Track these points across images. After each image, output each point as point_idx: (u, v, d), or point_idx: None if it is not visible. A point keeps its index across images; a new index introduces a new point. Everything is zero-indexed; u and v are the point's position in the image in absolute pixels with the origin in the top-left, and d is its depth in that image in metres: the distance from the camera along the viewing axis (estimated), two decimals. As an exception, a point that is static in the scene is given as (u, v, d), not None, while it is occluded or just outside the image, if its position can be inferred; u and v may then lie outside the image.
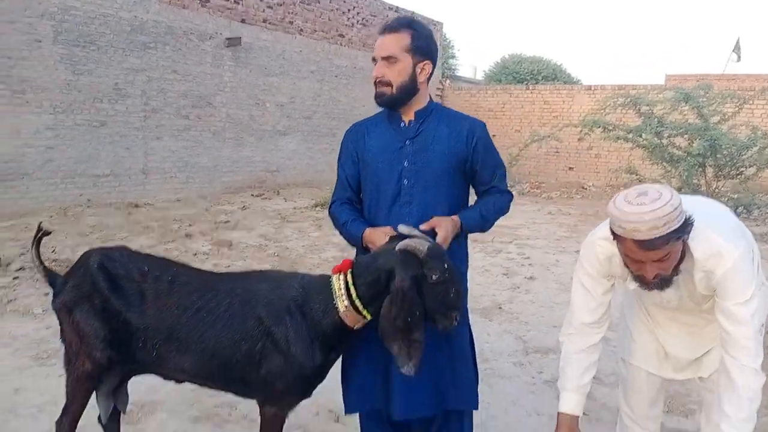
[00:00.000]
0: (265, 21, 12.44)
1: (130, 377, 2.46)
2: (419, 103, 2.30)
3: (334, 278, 2.13)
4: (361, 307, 2.08)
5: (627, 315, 2.46)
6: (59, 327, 2.36)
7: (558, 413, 2.16)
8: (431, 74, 2.29)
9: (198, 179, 11.35)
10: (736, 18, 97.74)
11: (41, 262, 2.39)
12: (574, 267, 2.24)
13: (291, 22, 13.04)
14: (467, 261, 2.50)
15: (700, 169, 8.41)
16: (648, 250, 1.81)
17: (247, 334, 2.13)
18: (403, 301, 1.97)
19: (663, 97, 8.95)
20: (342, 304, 2.09)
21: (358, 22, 14.88)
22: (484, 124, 2.39)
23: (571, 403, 2.13)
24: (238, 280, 2.31)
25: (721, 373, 2.02)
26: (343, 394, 2.41)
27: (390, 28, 2.22)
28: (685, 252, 1.92)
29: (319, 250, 7.49)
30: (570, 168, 16.16)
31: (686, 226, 1.83)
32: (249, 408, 3.42)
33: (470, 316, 3.89)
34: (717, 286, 1.95)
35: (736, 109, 8.89)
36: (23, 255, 6.22)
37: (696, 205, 1.94)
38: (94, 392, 2.37)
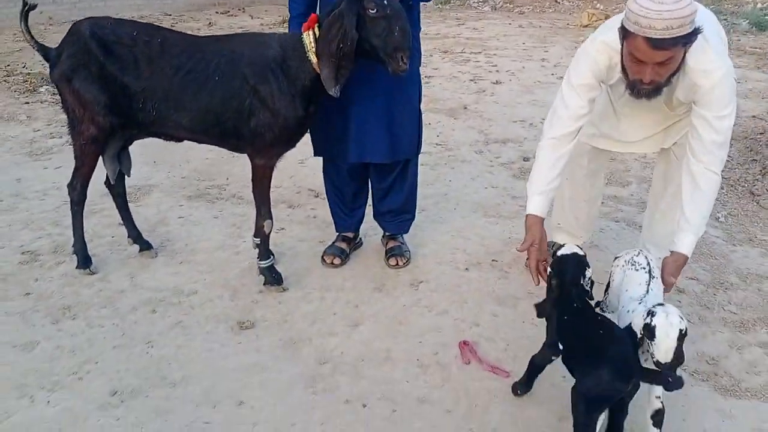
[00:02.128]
0: None
1: (133, 141, 2.72)
2: None
3: (305, 35, 2.34)
4: None
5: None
6: (60, 97, 2.56)
7: (526, 215, 2.31)
8: None
9: (160, -5, 10.88)
10: None
11: (31, 36, 2.51)
12: (565, 75, 2.32)
13: None
14: (418, 53, 2.68)
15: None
16: (656, 50, 1.90)
17: (236, 92, 2.36)
18: (337, 25, 2.20)
19: None
20: (314, 56, 2.32)
21: None
22: None
23: (539, 205, 2.28)
24: (223, 42, 2.49)
25: (685, 177, 2.20)
26: (312, 141, 2.79)
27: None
28: (680, 64, 2.04)
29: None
30: (544, -19, 15.66)
31: (694, 34, 1.91)
32: (237, 188, 3.81)
33: (437, 116, 4.17)
34: (701, 98, 2.09)
35: None
36: (-5, 69, 6.22)
37: (698, 15, 1.95)
38: (101, 157, 2.64)
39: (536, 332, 2.33)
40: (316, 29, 2.32)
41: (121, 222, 3.00)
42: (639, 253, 2.09)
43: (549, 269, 2.06)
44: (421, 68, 2.81)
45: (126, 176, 2.83)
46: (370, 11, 2.21)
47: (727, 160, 4.23)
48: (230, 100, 2.38)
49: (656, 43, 1.89)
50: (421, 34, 2.71)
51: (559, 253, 2.05)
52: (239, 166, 4.13)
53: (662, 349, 1.71)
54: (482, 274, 2.94)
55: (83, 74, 2.40)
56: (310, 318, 2.58)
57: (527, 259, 2.42)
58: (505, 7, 14.42)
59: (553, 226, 3.01)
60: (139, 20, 2.64)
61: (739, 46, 8.69)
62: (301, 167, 4.11)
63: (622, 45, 2.05)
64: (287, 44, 2.39)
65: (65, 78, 2.43)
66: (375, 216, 3.05)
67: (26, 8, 2.51)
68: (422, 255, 3.05)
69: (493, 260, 3.07)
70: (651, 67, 1.98)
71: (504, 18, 11.98)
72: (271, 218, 2.67)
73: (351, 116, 2.62)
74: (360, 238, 3.16)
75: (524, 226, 2.33)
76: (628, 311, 1.93)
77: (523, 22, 11.35)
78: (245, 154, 2.61)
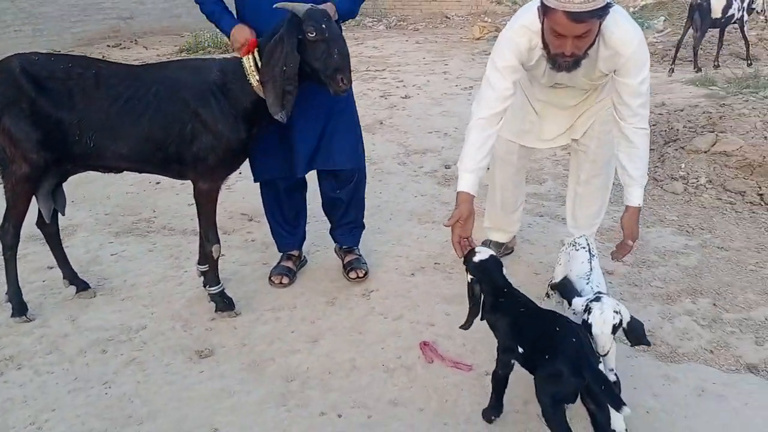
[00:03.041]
0: None
1: (67, 177, 2.62)
2: None
3: (245, 59, 2.38)
4: None
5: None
6: None
7: (457, 192, 2.35)
8: None
9: (46, 31, 10.40)
10: None
11: None
12: (489, 61, 2.40)
13: None
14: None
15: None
16: (576, 23, 2.02)
17: (177, 116, 2.36)
18: (279, 50, 2.25)
19: None
20: (254, 79, 2.35)
21: None
22: None
23: (469, 183, 2.34)
24: (160, 69, 2.49)
25: (620, 140, 2.39)
26: (251, 165, 2.79)
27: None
28: (596, 37, 2.20)
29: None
30: (433, -1, 16.29)
31: (608, 7, 2.06)
32: (166, 219, 3.72)
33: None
34: (622, 66, 2.24)
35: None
36: None
37: None
38: (34, 197, 2.53)
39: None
40: (256, 54, 2.36)
41: (51, 266, 2.89)
42: (581, 236, 2.26)
43: (470, 277, 2.09)
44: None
45: (60, 214, 2.71)
46: (310, 35, 2.25)
47: (628, 152, 4.65)
48: (171, 125, 2.37)
49: (575, 17, 2.02)
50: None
51: (476, 259, 2.08)
52: (164, 198, 4.05)
53: (599, 343, 1.88)
54: (428, 278, 3.04)
55: (14, 112, 2.32)
56: (269, 338, 2.57)
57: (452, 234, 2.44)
58: (399, 25, 14.87)
59: (486, 227, 3.17)
60: (69, 54, 2.57)
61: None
62: (229, 192, 4.07)
63: (543, 22, 2.18)
64: (227, 68, 2.42)
65: None
66: (331, 231, 3.09)
67: None
68: (368, 265, 3.11)
69: (435, 263, 3.18)
70: (571, 40, 2.11)
71: (400, 36, 12.35)
72: (218, 242, 2.65)
73: (293, 133, 2.65)
74: (304, 256, 3.18)
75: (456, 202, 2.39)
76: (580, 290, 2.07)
77: (419, 38, 11.76)
78: (186, 181, 2.58)
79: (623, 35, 2.23)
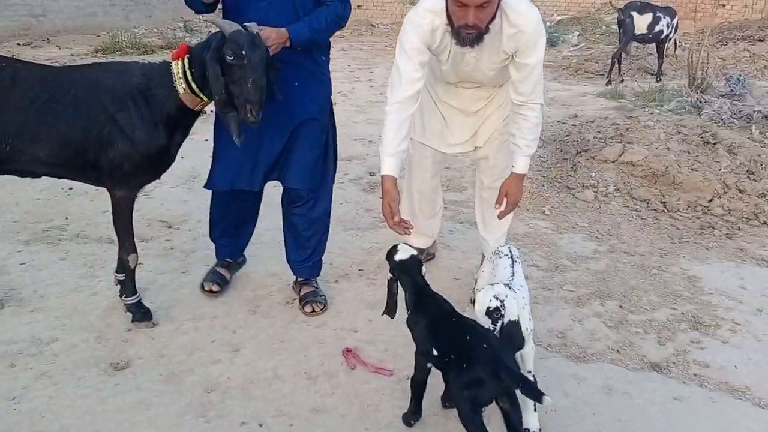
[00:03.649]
0: None
1: None
2: None
3: (174, 64, 2.32)
4: (197, 90, 2.32)
5: (419, 101, 2.77)
6: None
7: (382, 176, 2.46)
8: None
9: (-53, 26, 9.76)
10: None
11: None
12: (397, 47, 2.50)
13: None
14: (328, 82, 2.71)
15: None
16: None
17: (94, 120, 2.28)
18: (206, 68, 2.22)
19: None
20: (181, 86, 2.31)
21: None
22: None
23: (391, 166, 2.45)
24: (81, 71, 2.41)
25: (515, 115, 2.56)
26: (210, 172, 2.72)
27: None
28: (496, 14, 2.34)
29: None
30: (358, 6, 16.40)
31: None
32: (80, 227, 3.58)
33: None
34: (524, 44, 2.39)
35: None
36: None
37: None
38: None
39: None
40: (186, 61, 2.31)
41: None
42: (504, 245, 2.35)
43: (390, 274, 2.14)
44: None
45: None
46: (228, 57, 2.19)
47: (543, 161, 4.88)
48: (89, 129, 2.29)
49: None
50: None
51: (397, 258, 2.11)
52: (77, 204, 3.90)
53: (480, 321, 1.98)
54: (352, 284, 3.07)
55: None
56: (188, 349, 2.52)
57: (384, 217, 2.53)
58: (325, 31, 14.80)
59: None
60: None
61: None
62: (147, 200, 3.97)
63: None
64: (153, 72, 2.36)
65: None
66: (288, 260, 2.92)
67: None
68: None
69: (359, 270, 3.21)
70: (473, 11, 2.23)
71: (326, 42, 12.35)
72: (135, 252, 2.58)
73: (258, 143, 2.58)
74: (243, 257, 3.11)
75: (381, 187, 2.47)
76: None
77: (344, 45, 11.82)
78: (102, 188, 2.50)
79: (525, 13, 2.40)
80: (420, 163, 3.01)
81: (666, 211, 4.09)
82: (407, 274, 2.09)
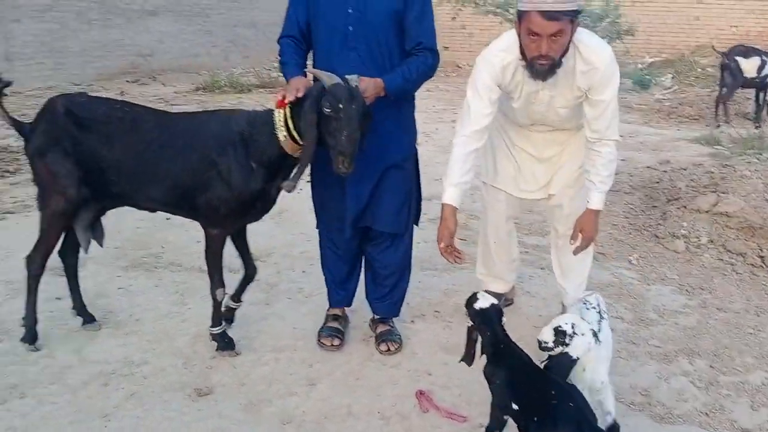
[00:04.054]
0: None
1: (106, 212, 2.73)
2: None
3: (276, 112, 2.40)
4: (297, 137, 2.37)
5: (492, 145, 2.89)
6: (32, 171, 2.56)
7: (442, 204, 2.56)
8: None
9: (67, 65, 10.68)
10: None
11: (6, 112, 2.54)
12: (468, 84, 2.58)
13: None
14: (413, 130, 2.79)
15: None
16: (549, 20, 2.22)
17: (199, 165, 2.44)
18: (305, 120, 2.29)
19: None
20: (281, 133, 2.37)
21: None
22: None
23: (452, 195, 2.56)
24: (193, 118, 2.60)
25: (588, 151, 2.58)
26: (315, 213, 2.86)
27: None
28: (569, 47, 2.37)
29: (210, 128, 7.59)
30: (445, 47, 16.64)
31: (578, 11, 2.30)
32: (174, 256, 3.79)
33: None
34: (598, 80, 2.42)
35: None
36: None
37: None
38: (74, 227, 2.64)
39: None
40: (287, 111, 2.37)
41: (59, 297, 2.98)
42: (592, 294, 2.30)
43: (469, 322, 2.10)
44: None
45: (99, 246, 2.84)
46: (325, 109, 2.27)
47: (631, 207, 4.74)
48: (194, 173, 2.45)
49: (549, 15, 2.23)
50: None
51: (477, 307, 2.08)
52: (173, 234, 4.12)
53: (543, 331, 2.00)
54: (427, 325, 3.08)
55: (57, 149, 2.45)
56: (267, 379, 2.60)
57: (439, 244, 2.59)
58: (412, 72, 15.09)
59: (481, 276, 3.22)
60: (111, 98, 2.71)
61: (625, 103, 9.57)
62: (237, 232, 4.14)
63: (519, 30, 2.37)
64: (256, 119, 2.47)
65: (39, 153, 2.49)
66: (367, 296, 2.96)
67: (1, 86, 2.53)
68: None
69: (435, 311, 3.22)
70: (546, 41, 2.28)
71: (412, 82, 12.59)
72: (223, 286, 2.70)
73: (346, 189, 2.64)
74: (346, 314, 3.06)
75: (441, 215, 2.56)
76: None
77: (430, 86, 11.93)
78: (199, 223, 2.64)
79: (597, 49, 2.44)
80: (494, 207, 3.02)
81: (764, 266, 3.86)
82: (487, 323, 2.07)
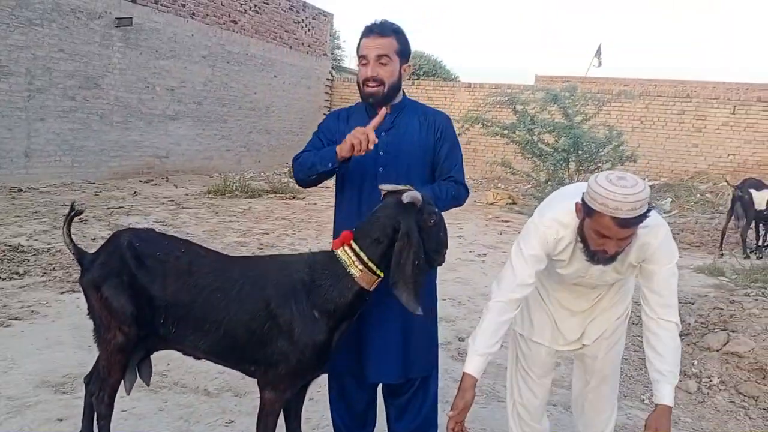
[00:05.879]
0: (156, 2, 12.22)
1: (153, 351, 2.59)
2: (396, 98, 2.52)
3: (340, 251, 2.28)
4: (375, 267, 2.25)
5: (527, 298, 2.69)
6: (87, 303, 2.47)
7: (464, 373, 2.32)
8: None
9: (84, 163, 11.02)
10: (598, 25, 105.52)
11: (72, 241, 2.49)
12: (515, 245, 2.42)
13: (183, 5, 12.88)
14: (433, 273, 2.65)
15: (565, 163, 9.41)
16: (623, 228, 2.08)
17: (255, 315, 2.26)
18: (411, 244, 2.19)
19: (535, 97, 9.91)
20: (357, 269, 2.24)
21: (251, 8, 14.92)
22: (450, 118, 2.64)
23: (477, 367, 2.32)
24: (251, 263, 2.48)
25: (647, 334, 2.36)
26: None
27: (379, 32, 2.43)
28: None
29: (220, 235, 7.69)
30: (451, 160, 17.14)
31: (650, 209, 2.14)
32: (179, 375, 3.73)
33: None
34: (652, 255, 2.29)
35: (596, 110, 10.07)
36: None
37: None
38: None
39: None
40: (353, 243, 2.28)
41: (60, 418, 2.92)
42: None
43: None
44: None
45: (145, 384, 2.70)
46: (430, 222, 2.24)
47: (640, 341, 4.67)
48: (248, 324, 2.29)
49: (624, 223, 2.08)
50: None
51: None
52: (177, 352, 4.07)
53: None
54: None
55: (114, 282, 2.35)
56: None
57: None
58: (418, 182, 15.47)
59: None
60: (175, 235, 2.64)
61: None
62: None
63: (584, 220, 2.22)
64: (317, 264, 2.33)
65: (94, 285, 2.39)
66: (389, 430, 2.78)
67: (72, 213, 2.51)
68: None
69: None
70: (615, 241, 2.15)
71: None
72: None
73: (368, 336, 2.54)
74: None
75: (459, 384, 2.32)
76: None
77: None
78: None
79: (651, 224, 2.26)
80: (534, 360, 2.77)
81: (778, 412, 3.79)
82: None
